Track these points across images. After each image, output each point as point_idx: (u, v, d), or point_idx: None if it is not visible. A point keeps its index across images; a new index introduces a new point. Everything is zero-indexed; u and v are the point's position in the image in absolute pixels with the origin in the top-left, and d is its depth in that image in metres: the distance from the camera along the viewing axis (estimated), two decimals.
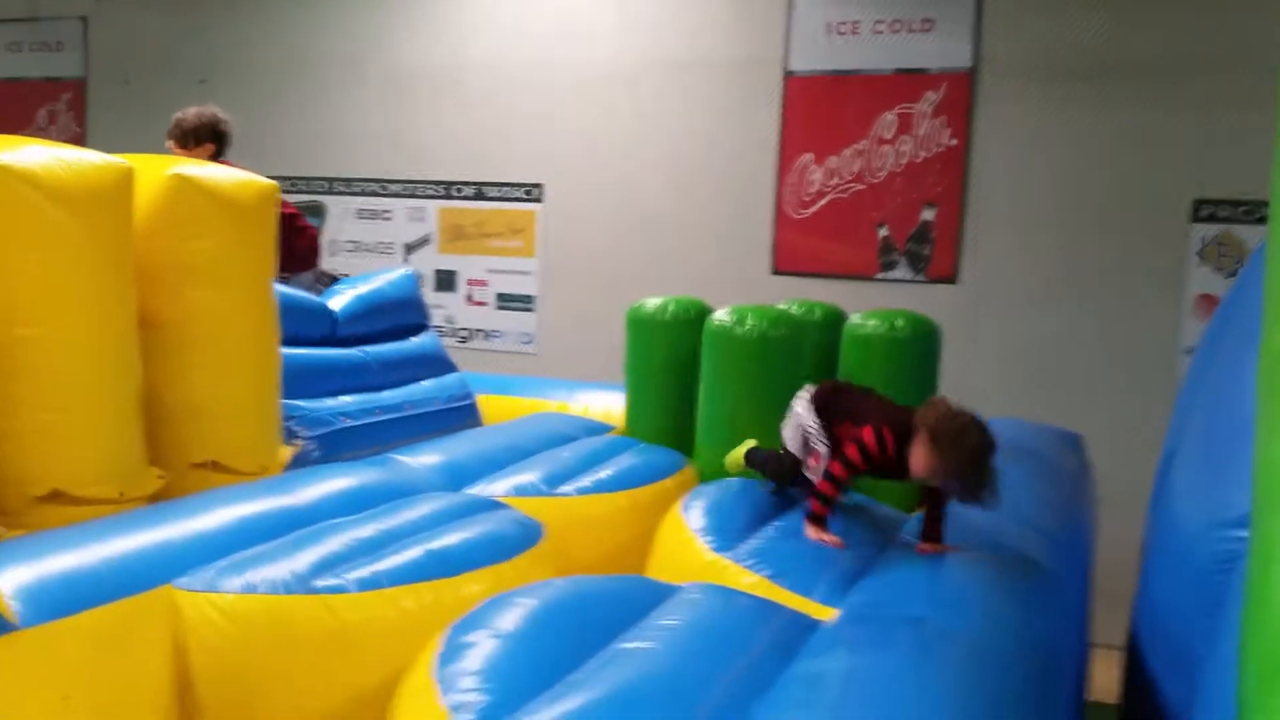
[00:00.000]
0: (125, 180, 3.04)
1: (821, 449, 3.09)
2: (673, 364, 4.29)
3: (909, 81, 6.62)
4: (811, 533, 2.89)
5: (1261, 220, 5.88)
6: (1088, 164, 6.28)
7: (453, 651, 1.83)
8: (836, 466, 2.94)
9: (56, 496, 2.90)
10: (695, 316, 4.30)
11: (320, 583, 2.39)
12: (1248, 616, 1.48)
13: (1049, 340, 6.35)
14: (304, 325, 4.16)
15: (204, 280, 3.31)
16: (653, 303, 4.39)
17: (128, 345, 3.05)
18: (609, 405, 5.22)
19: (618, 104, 7.31)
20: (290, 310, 3.63)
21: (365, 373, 4.51)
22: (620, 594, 2.21)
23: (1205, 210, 6.08)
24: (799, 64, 6.86)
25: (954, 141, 6.52)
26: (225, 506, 2.77)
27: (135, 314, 3.09)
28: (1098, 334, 6.27)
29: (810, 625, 2.27)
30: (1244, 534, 2.09)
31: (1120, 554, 5.46)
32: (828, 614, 2.41)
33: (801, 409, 3.24)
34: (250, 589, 2.36)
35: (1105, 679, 4.04)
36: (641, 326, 4.37)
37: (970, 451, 2.76)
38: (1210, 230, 6.07)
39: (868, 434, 2.92)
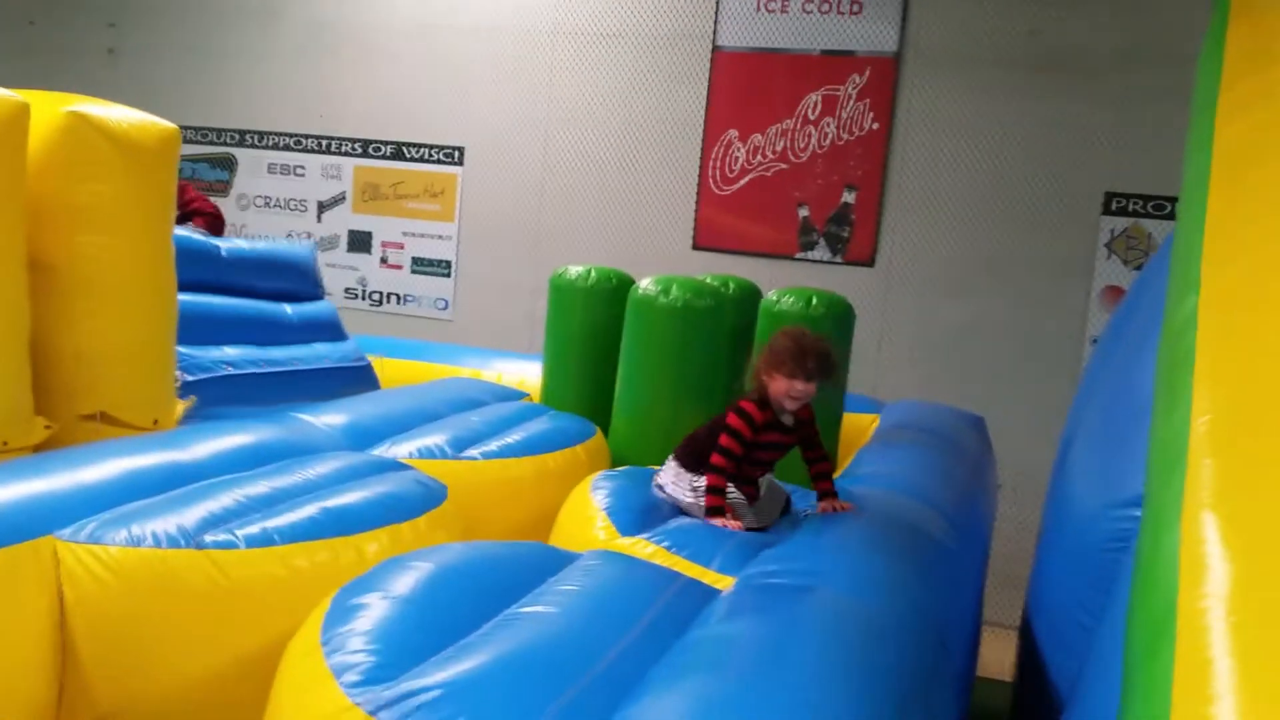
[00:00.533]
0: (19, 115, 2.90)
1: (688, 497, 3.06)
2: (592, 332, 4.26)
3: (835, 63, 6.65)
4: (714, 521, 2.92)
5: (1169, 215, 6.04)
6: (1006, 153, 6.39)
7: (341, 613, 1.78)
8: (715, 456, 2.99)
9: None
10: (616, 286, 4.28)
11: (209, 538, 2.31)
12: (1136, 582, 1.51)
13: (960, 326, 6.46)
14: (190, 268, 3.95)
15: (98, 224, 3.18)
16: (575, 270, 4.35)
17: (14, 287, 2.91)
18: (523, 374, 5.18)
19: (545, 71, 7.22)
20: (177, 252, 3.49)
21: (251, 325, 4.37)
22: (519, 559, 2.18)
23: (1116, 203, 6.24)
24: (727, 39, 6.84)
25: (876, 125, 6.58)
26: (112, 458, 2.66)
27: (23, 255, 2.95)
28: (1007, 321, 6.40)
29: (708, 593, 2.27)
30: (1138, 513, 2.13)
31: (1020, 538, 5.61)
32: (726, 582, 2.41)
33: (670, 483, 3.12)
34: (135, 542, 2.27)
35: (1001, 657, 4.13)
36: (563, 293, 4.33)
37: (790, 338, 3.00)
38: (1120, 223, 6.23)
39: (729, 416, 3.02)
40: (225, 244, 4.51)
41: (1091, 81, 6.22)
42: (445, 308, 7.49)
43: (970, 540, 3.29)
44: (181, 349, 3.75)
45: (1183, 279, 2.11)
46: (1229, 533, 1.20)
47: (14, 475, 2.46)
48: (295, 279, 4.78)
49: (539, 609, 1.91)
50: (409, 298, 7.55)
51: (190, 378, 3.72)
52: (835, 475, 3.34)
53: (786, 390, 2.96)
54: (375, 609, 1.77)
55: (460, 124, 7.38)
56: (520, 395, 4.48)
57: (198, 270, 4.11)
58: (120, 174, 3.22)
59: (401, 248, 7.54)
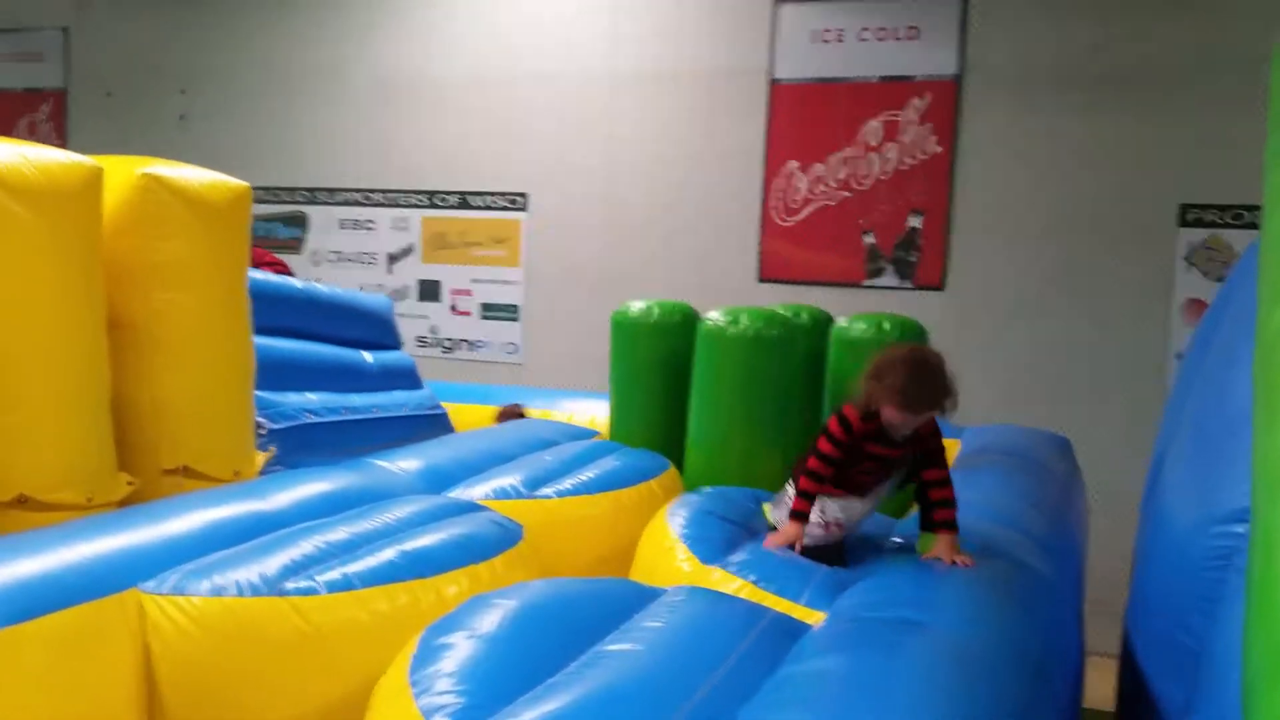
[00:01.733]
0: (93, 179, 2.98)
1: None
2: (658, 367, 4.23)
3: (894, 89, 6.60)
4: (777, 539, 2.77)
5: (1249, 225, 5.86)
6: (1074, 170, 6.26)
7: (428, 653, 1.76)
8: (812, 460, 2.82)
9: (22, 502, 2.82)
10: (681, 320, 4.25)
11: (290, 585, 2.31)
12: (1250, 610, 1.43)
13: (1037, 346, 6.31)
14: (270, 310, 3.98)
15: (174, 281, 3.24)
16: (637, 306, 4.34)
17: (95, 346, 2.98)
18: (593, 413, 5.17)
19: (603, 113, 7.28)
20: (260, 295, 3.55)
21: (332, 373, 4.43)
22: (602, 596, 2.14)
23: (1192, 215, 6.06)
24: (784, 72, 6.83)
25: (939, 149, 6.50)
26: (194, 510, 2.69)
27: (104, 314, 3.02)
28: (1087, 339, 6.24)
29: (798, 628, 2.20)
30: (1239, 529, 2.04)
31: (1112, 562, 5.41)
32: (815, 618, 2.34)
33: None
34: (218, 592, 2.28)
35: (1100, 687, 3.97)
36: (626, 330, 4.31)
37: (905, 365, 2.71)
38: (1197, 235, 6.05)
39: (831, 421, 2.84)
40: (304, 284, 4.59)
41: (1158, 94, 6.09)
42: (515, 352, 7.53)
43: (1065, 565, 3.17)
44: (264, 394, 3.82)
45: (1273, 289, 2.02)
46: None
47: (99, 530, 2.50)
48: (374, 327, 4.87)
49: (625, 647, 1.87)
50: (479, 343, 7.61)
51: (274, 425, 3.77)
52: (914, 508, 3.08)
53: (899, 420, 2.74)
54: (462, 648, 1.75)
55: (522, 170, 7.46)
56: (591, 434, 4.46)
57: (279, 314, 4.18)
58: (194, 232, 3.29)
59: (470, 294, 7.62)
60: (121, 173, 3.19)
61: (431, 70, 7.67)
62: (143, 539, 2.49)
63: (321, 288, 4.77)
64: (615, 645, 1.89)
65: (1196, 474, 2.51)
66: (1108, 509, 5.77)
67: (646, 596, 2.18)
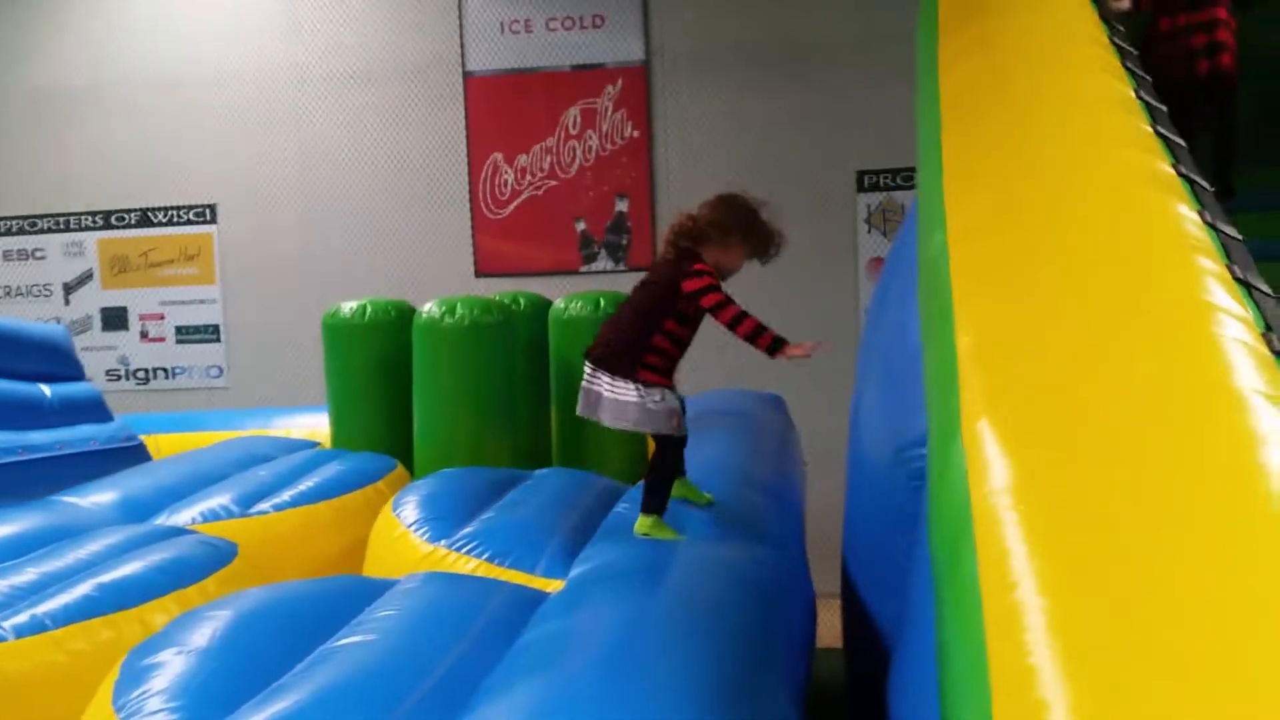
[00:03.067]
0: None
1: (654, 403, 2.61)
2: (376, 367, 4.10)
3: (587, 77, 6.72)
4: (796, 350, 2.66)
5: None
6: (760, 144, 6.61)
7: (134, 676, 1.60)
8: (730, 308, 2.70)
9: None
10: (396, 317, 4.14)
11: None
12: (932, 495, 1.56)
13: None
14: None
15: None
16: (349, 306, 4.18)
17: None
18: (312, 426, 4.93)
19: (293, 114, 6.95)
20: None
21: (5, 408, 3.98)
22: (330, 594, 2.04)
23: (869, 180, 6.56)
24: (476, 64, 6.80)
25: (636, 133, 6.68)
26: None
27: None
28: (786, 303, 6.57)
29: (535, 598, 2.19)
30: (926, 450, 2.21)
31: (827, 509, 5.77)
32: (554, 586, 2.33)
33: (610, 388, 2.62)
34: None
35: (827, 626, 4.21)
36: (339, 332, 4.15)
37: (741, 206, 2.89)
38: (875, 199, 6.56)
39: (696, 280, 2.71)
40: None
41: (831, 69, 6.53)
42: (219, 375, 7.07)
43: (787, 508, 3.34)
44: None
45: (929, 216, 2.23)
46: (1005, 434, 1.27)
47: None
48: (48, 358, 4.39)
49: (357, 639, 1.78)
50: (178, 369, 7.08)
51: None
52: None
53: (738, 267, 2.77)
54: (173, 665, 1.61)
55: (209, 180, 7.00)
56: (310, 445, 4.26)
57: None
58: None
59: (162, 319, 7.07)
60: None
61: (97, 76, 7.04)
62: None
63: None
64: (346, 639, 1.80)
65: (887, 408, 2.71)
66: (818, 460, 6.15)
67: (379, 588, 2.09)
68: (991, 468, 1.17)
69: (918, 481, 2.28)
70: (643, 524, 2.49)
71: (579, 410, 2.63)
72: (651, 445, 2.70)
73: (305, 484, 3.40)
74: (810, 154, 6.57)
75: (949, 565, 1.25)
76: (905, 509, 2.37)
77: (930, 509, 1.51)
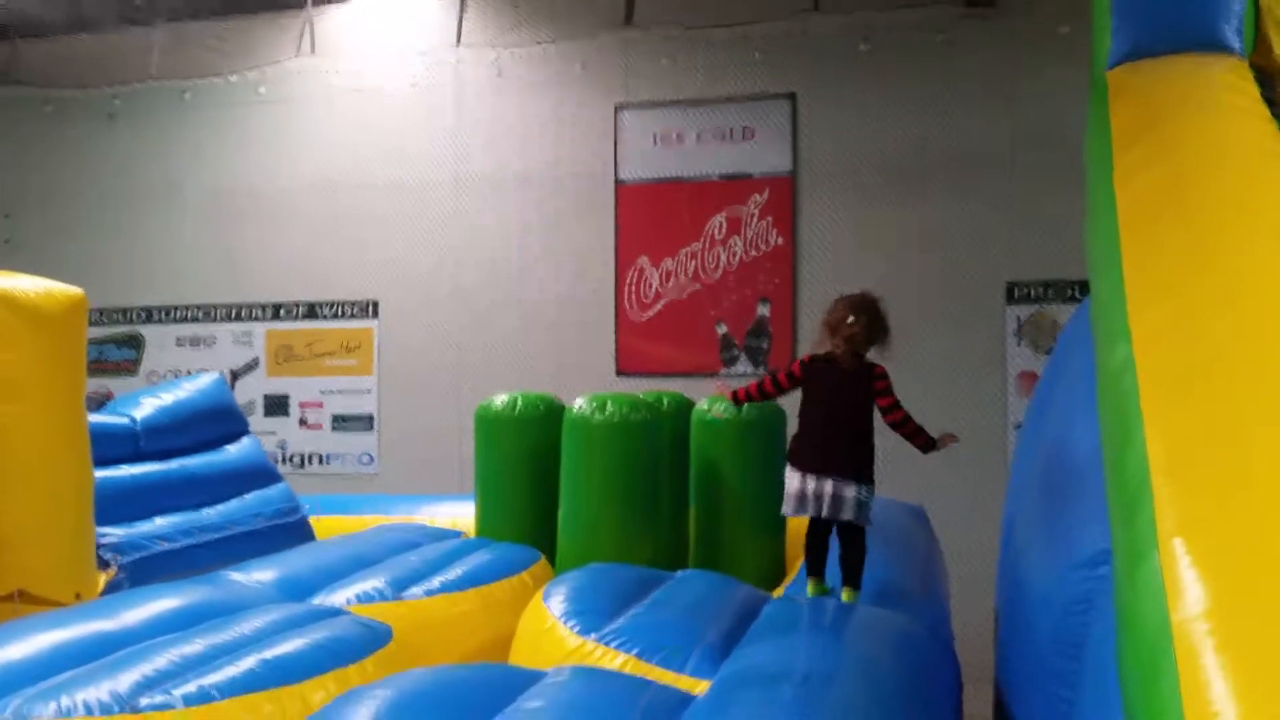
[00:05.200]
0: None
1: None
2: (523, 459, 4.20)
3: (735, 186, 6.88)
4: (948, 438, 3.27)
5: (1071, 299, 6.26)
6: (906, 254, 6.60)
7: None
8: (901, 410, 3.30)
9: None
10: (545, 412, 4.25)
11: (144, 701, 2.15)
12: (1122, 616, 1.50)
13: (884, 423, 6.51)
14: (102, 446, 3.76)
15: (6, 394, 3.05)
16: (501, 399, 4.31)
17: None
18: (455, 515, 5.05)
19: (453, 218, 7.31)
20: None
21: (179, 490, 4.20)
22: (483, 681, 2.07)
23: (1018, 292, 6.45)
24: (628, 173, 7.04)
25: (780, 240, 6.77)
26: (34, 634, 2.49)
27: None
28: (929, 415, 6.47)
29: (683, 698, 2.18)
30: (1098, 571, 2.12)
31: (970, 625, 5.56)
32: (701, 686, 2.32)
33: (852, 489, 3.12)
34: (65, 713, 2.10)
35: None
36: (490, 424, 4.27)
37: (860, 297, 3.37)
38: (1024, 310, 6.43)
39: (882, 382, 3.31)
40: (135, 409, 4.36)
41: (980, 178, 6.51)
42: (370, 462, 7.34)
43: (936, 623, 3.24)
44: (109, 529, 3.60)
45: (1110, 328, 2.17)
46: (1202, 553, 1.22)
47: None
48: (212, 421, 4.62)
49: None
50: (333, 456, 7.39)
51: (124, 559, 3.54)
52: (787, 581, 3.24)
53: (845, 326, 3.28)
54: None
55: (372, 277, 7.39)
56: (455, 534, 4.36)
57: (110, 448, 3.96)
58: (27, 342, 3.13)
59: (320, 406, 7.41)
60: None
61: (272, 179, 7.57)
62: None
63: (148, 403, 4.47)
64: None
65: (1049, 527, 2.62)
66: (962, 573, 5.95)
67: (528, 679, 2.12)
68: (1189, 589, 1.15)
69: (1084, 604, 2.19)
70: (850, 595, 3.04)
71: (800, 510, 3.07)
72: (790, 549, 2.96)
73: (454, 571, 3.48)
74: (958, 264, 6.53)
75: (1143, 694, 1.20)
76: (1069, 634, 2.27)
77: (1121, 634, 1.46)
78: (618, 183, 7.05)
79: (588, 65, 7.17)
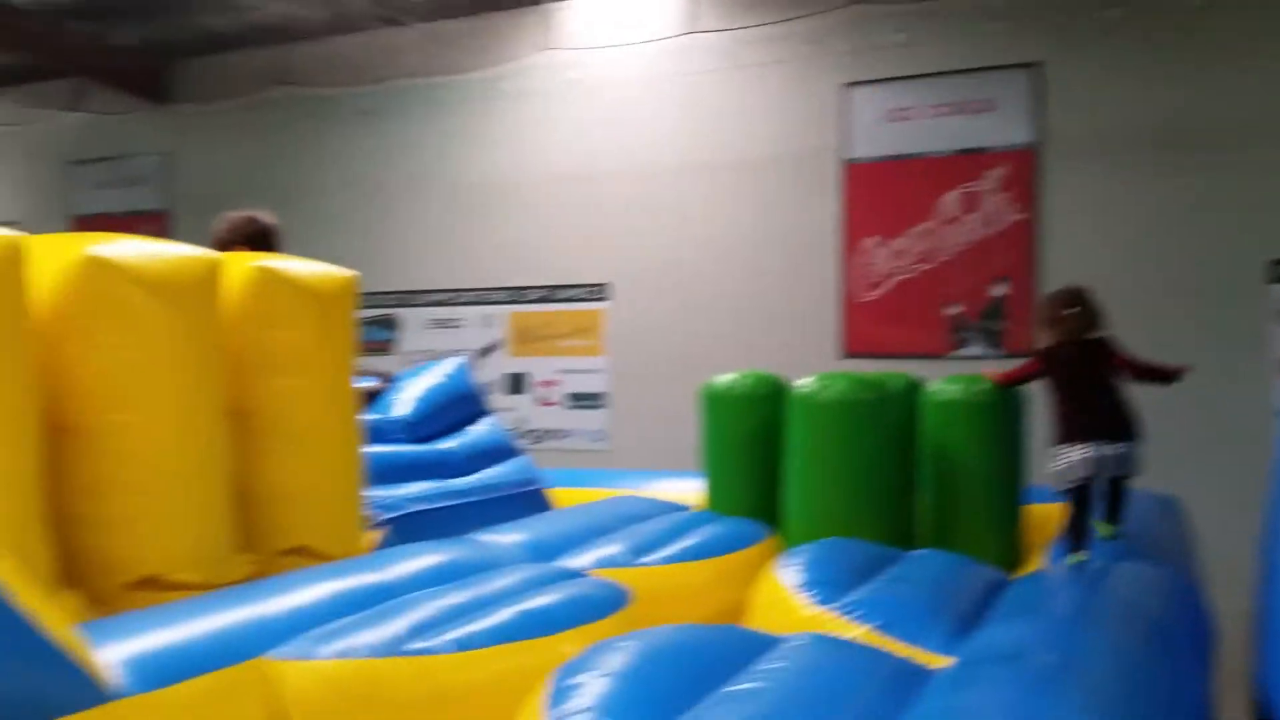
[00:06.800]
0: (213, 271, 3.14)
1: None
2: (749, 438, 4.26)
3: (970, 161, 6.67)
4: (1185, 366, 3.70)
5: None
6: (1159, 230, 6.22)
7: (562, 692, 1.79)
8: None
9: (148, 582, 2.91)
10: (770, 390, 4.28)
11: (415, 645, 2.35)
12: None
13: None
14: (380, 436, 4.32)
15: (288, 369, 3.37)
16: (726, 378, 4.39)
17: (216, 432, 3.09)
18: (683, 492, 5.17)
19: (680, 201, 7.45)
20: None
21: (435, 466, 4.58)
22: (723, 641, 2.15)
23: None
24: (858, 151, 6.95)
25: (1022, 216, 6.51)
26: (315, 583, 2.75)
27: (223, 402, 3.15)
28: (1184, 399, 6.09)
29: (923, 672, 2.17)
30: None
31: (1223, 620, 5.19)
32: (941, 662, 2.30)
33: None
34: (344, 654, 2.33)
35: None
36: (715, 402, 4.36)
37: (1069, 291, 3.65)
38: None
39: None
40: (396, 406, 4.78)
41: (1237, 153, 6.05)
42: (602, 439, 7.60)
43: (1187, 615, 3.07)
44: (376, 492, 3.94)
45: None
46: None
47: (226, 603, 2.58)
48: (458, 405, 4.99)
49: (752, 686, 1.87)
50: (566, 432, 7.71)
51: (385, 516, 3.88)
52: (1031, 565, 3.26)
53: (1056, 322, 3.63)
54: (594, 686, 1.77)
55: (602, 261, 7.64)
56: (683, 508, 4.48)
57: (384, 439, 4.44)
58: (305, 320, 3.43)
59: (556, 385, 7.75)
60: (237, 265, 3.35)
61: (514, 172, 7.95)
62: (267, 610, 2.56)
63: (404, 403, 4.91)
64: (742, 685, 1.89)
65: None
66: (1217, 568, 5.56)
67: (767, 642, 2.18)
68: None
69: None
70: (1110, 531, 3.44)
71: (1088, 474, 3.40)
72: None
73: (687, 542, 3.58)
74: (1214, 240, 6.10)
75: None
76: None
77: None
78: (845, 162, 6.97)
79: (816, 44, 7.13)
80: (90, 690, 1.97)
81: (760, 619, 2.84)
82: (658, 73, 7.53)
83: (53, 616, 1.94)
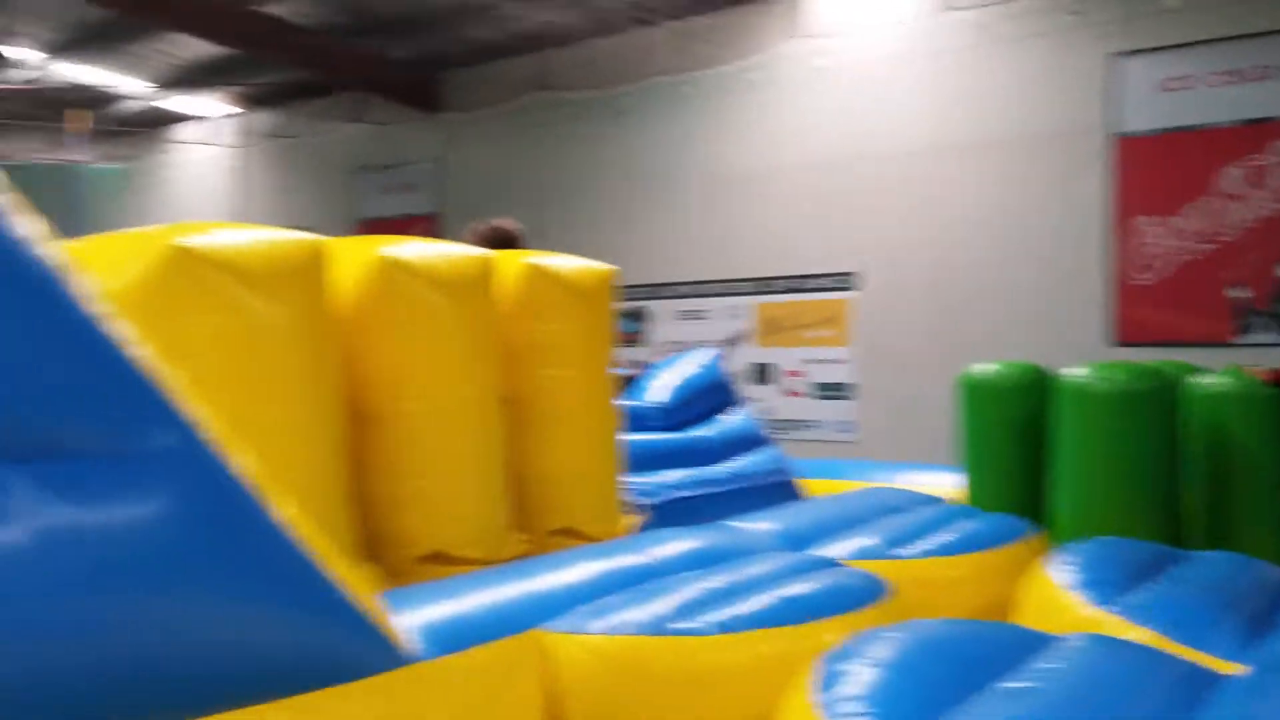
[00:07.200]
0: (489, 269, 3.37)
1: None
2: (1012, 430, 4.12)
3: (1253, 132, 6.13)
4: None
5: None
6: None
7: (830, 678, 1.81)
8: None
9: (437, 557, 3.17)
10: (1033, 380, 4.13)
11: (680, 625, 2.44)
12: None
13: None
14: (639, 424, 4.53)
15: (555, 359, 3.57)
16: (985, 367, 4.26)
17: (494, 419, 3.32)
18: (938, 485, 5.06)
19: (931, 184, 7.26)
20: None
21: (689, 455, 4.71)
22: (996, 638, 2.11)
23: None
24: (1130, 124, 6.54)
25: None
26: (583, 562, 2.91)
27: (499, 391, 3.38)
28: None
29: (1214, 678, 2.05)
30: None
31: None
32: (1232, 669, 2.16)
33: None
34: (613, 630, 2.45)
35: None
36: (975, 392, 4.23)
37: None
38: None
39: None
40: (651, 394, 4.95)
41: None
42: (848, 430, 7.53)
43: None
44: (635, 479, 4.11)
45: None
46: None
47: (504, 578, 2.77)
48: (714, 395, 5.11)
49: (1027, 685, 1.83)
50: (812, 423, 7.69)
51: (644, 502, 4.05)
52: None
53: None
54: (864, 674, 1.79)
55: (850, 249, 7.56)
56: (940, 500, 4.38)
57: (642, 428, 4.66)
58: (570, 314, 3.62)
59: (802, 375, 7.74)
60: (508, 262, 3.58)
61: (760, 163, 8.00)
62: (541, 586, 2.73)
63: (661, 397, 5.06)
64: (1016, 683, 1.85)
65: None
66: None
67: (1041, 641, 2.12)
68: None
69: None
70: None
71: None
72: None
73: (946, 536, 3.51)
74: None
75: None
76: None
77: None
78: (1115, 136, 6.57)
79: (1079, 14, 6.76)
80: (392, 654, 2.18)
81: (1030, 618, 2.75)
82: (908, 53, 7.36)
83: (359, 586, 2.15)
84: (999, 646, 2.03)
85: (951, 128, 7.18)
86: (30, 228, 1.65)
